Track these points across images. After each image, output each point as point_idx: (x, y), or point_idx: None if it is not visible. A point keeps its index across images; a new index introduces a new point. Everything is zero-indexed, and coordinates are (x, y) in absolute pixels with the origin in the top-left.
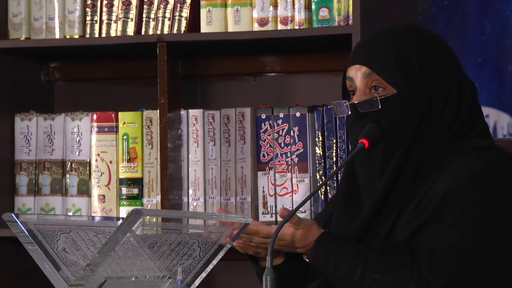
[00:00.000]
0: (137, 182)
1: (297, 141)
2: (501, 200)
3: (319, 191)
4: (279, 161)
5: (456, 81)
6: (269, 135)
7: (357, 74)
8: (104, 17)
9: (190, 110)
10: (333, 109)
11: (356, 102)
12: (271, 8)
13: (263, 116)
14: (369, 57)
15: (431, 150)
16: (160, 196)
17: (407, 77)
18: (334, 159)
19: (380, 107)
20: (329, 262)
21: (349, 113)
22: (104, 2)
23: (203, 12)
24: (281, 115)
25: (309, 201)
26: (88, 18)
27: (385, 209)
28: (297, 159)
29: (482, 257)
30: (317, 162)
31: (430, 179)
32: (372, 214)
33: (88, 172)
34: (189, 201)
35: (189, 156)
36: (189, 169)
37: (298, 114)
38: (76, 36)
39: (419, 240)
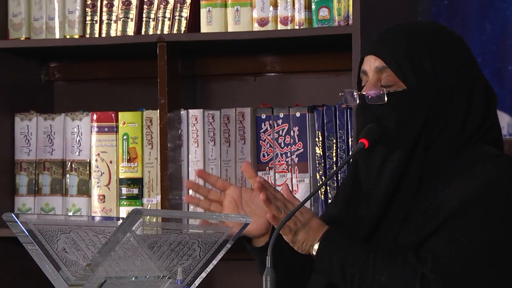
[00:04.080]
0: (137, 182)
1: (297, 141)
2: (510, 210)
3: (319, 191)
4: (279, 161)
5: (467, 86)
6: (269, 135)
7: (370, 66)
8: (104, 17)
9: (190, 110)
10: (344, 97)
11: (364, 92)
12: (271, 8)
13: (263, 116)
14: (383, 50)
15: (439, 155)
16: (160, 196)
17: (418, 75)
18: (334, 159)
19: (386, 101)
20: (334, 263)
21: (357, 102)
22: (104, 2)
23: (203, 12)
24: (281, 115)
25: (309, 201)
26: (88, 18)
27: (390, 213)
28: (297, 159)
29: (486, 264)
30: (317, 162)
31: (439, 186)
32: (377, 221)
33: (88, 172)
34: None
35: (189, 156)
36: (189, 169)
37: (298, 114)
38: (76, 36)
39: (427, 246)
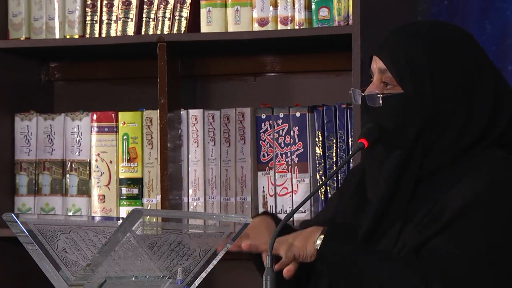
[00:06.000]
0: (137, 182)
1: (297, 141)
2: None
3: (319, 191)
4: (279, 161)
5: (469, 87)
6: (269, 135)
7: (375, 67)
8: (104, 17)
9: (190, 110)
10: (353, 95)
11: (363, 94)
12: (271, 8)
13: (263, 116)
14: (385, 52)
15: (440, 157)
16: (160, 196)
17: (415, 79)
18: (334, 159)
19: (381, 104)
20: (338, 258)
21: (360, 103)
22: (104, 2)
23: (203, 12)
24: (281, 115)
25: (309, 201)
26: (88, 18)
27: (388, 216)
28: (297, 159)
29: (487, 265)
30: (317, 162)
31: (442, 188)
32: (376, 223)
33: (88, 172)
34: (189, 201)
35: (189, 156)
36: (189, 169)
37: (298, 114)
38: (76, 36)
39: (428, 246)
